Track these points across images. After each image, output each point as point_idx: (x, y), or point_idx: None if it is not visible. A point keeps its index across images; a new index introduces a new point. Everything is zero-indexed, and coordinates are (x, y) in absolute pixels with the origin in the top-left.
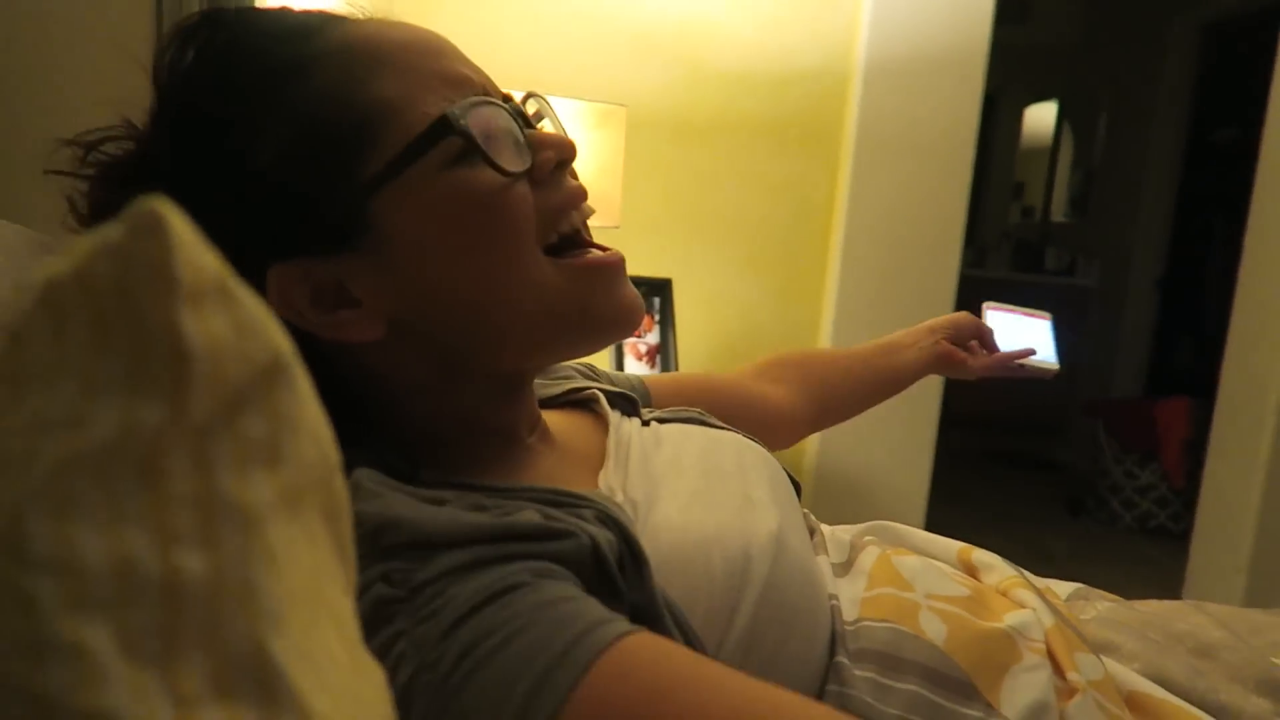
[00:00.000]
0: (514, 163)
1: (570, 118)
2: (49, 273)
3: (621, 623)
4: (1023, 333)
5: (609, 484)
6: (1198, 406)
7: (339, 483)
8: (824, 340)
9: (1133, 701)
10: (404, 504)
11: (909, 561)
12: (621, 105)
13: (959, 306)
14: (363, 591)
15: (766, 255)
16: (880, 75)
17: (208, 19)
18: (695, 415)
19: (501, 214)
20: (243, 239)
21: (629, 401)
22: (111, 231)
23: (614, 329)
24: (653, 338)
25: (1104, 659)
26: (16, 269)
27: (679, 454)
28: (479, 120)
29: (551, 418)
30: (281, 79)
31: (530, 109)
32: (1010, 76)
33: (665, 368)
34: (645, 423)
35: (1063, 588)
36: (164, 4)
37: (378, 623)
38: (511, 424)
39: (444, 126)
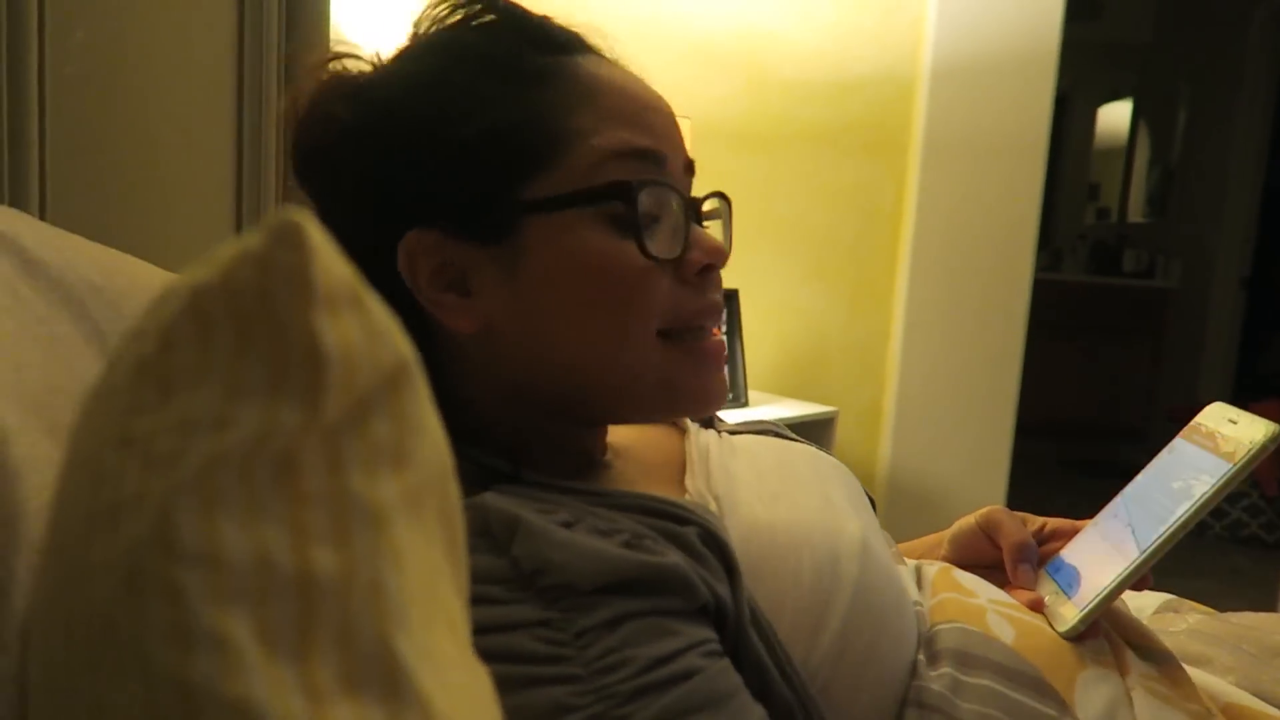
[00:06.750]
0: (664, 248)
1: None
2: (196, 280)
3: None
4: (1099, 556)
5: (697, 489)
6: None
7: (453, 486)
8: (894, 349)
9: (1230, 713)
10: (551, 540)
11: (969, 573)
12: (685, 117)
13: (1032, 311)
14: (519, 627)
15: (834, 264)
16: (947, 79)
17: (489, 2)
18: (769, 427)
19: (633, 293)
20: (402, 195)
21: None
22: (253, 240)
23: (691, 409)
24: None
25: (1197, 671)
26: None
27: (755, 460)
28: (650, 198)
29: (628, 431)
30: (518, 78)
31: (709, 205)
32: (1082, 75)
33: (734, 379)
34: (719, 435)
35: (1151, 599)
36: (245, 45)
37: (541, 660)
38: (588, 449)
39: (617, 191)
